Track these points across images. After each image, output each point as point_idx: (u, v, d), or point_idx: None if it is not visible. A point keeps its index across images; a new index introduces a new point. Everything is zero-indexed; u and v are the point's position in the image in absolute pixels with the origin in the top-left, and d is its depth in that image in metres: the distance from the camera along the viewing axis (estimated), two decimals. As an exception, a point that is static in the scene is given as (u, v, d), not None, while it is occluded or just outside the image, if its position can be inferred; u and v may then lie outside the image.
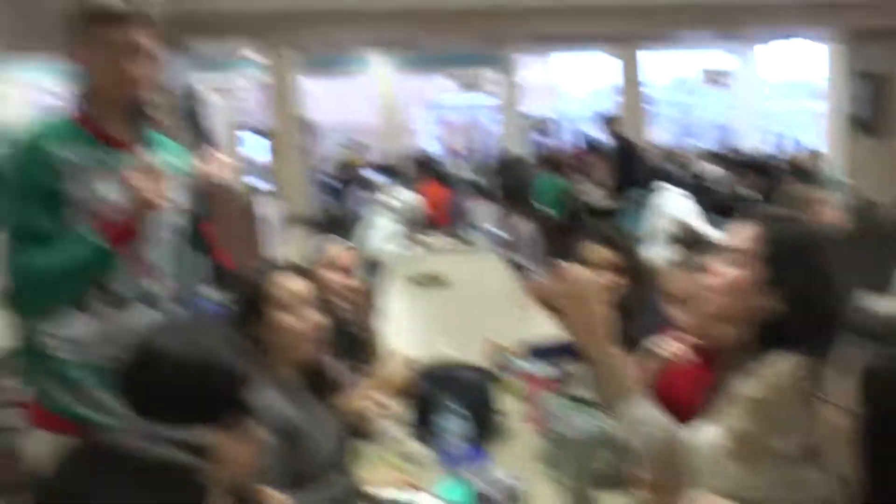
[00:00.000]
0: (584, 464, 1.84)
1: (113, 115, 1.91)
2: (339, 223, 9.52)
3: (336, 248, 2.95)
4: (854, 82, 9.56)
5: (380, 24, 9.50)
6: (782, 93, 21.79)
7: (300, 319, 2.06)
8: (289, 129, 15.75)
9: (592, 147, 8.94)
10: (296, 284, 2.10)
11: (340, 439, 2.12)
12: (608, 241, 2.69)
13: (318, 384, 2.19)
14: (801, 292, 1.50)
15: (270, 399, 1.86)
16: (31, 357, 1.89)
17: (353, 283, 2.90)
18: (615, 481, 2.00)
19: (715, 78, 16.55)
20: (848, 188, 9.61)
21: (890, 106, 8.99)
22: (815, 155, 11.96)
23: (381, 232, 5.95)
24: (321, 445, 2.03)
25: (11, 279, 1.80)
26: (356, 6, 9.04)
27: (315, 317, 2.10)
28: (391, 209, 6.21)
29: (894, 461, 1.05)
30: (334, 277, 2.83)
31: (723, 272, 1.58)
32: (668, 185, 6.65)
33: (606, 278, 2.62)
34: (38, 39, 9.19)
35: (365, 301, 3.11)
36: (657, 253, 5.85)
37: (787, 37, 14.98)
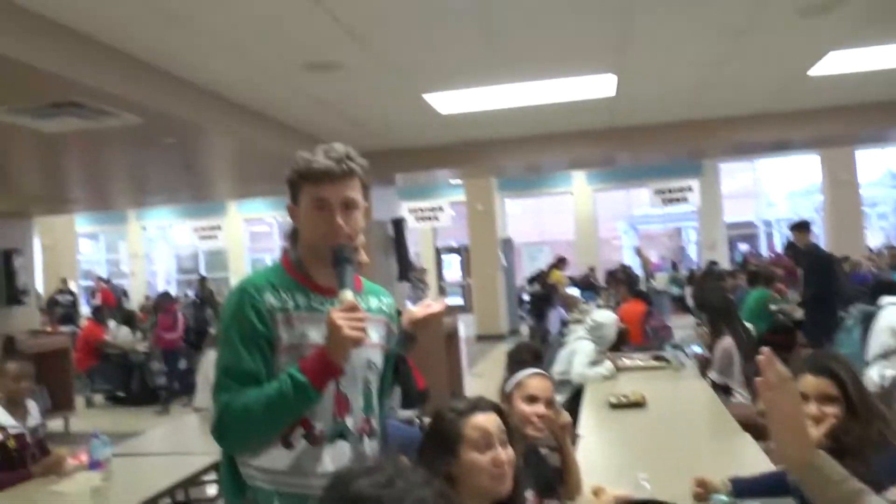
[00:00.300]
0: None
1: (319, 262, 2.04)
2: (535, 342, 9.58)
3: (530, 377, 2.96)
4: None
5: (578, 144, 9.66)
6: None
7: (492, 457, 2.08)
8: (488, 248, 16.27)
9: (794, 256, 8.39)
10: (489, 423, 2.13)
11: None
12: (823, 370, 2.51)
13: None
14: None
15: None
16: (232, 482, 1.99)
17: (549, 412, 2.87)
18: None
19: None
20: None
21: None
22: None
23: (579, 353, 5.88)
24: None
25: (217, 415, 1.92)
26: (554, 129, 9.26)
27: (506, 453, 2.11)
28: (587, 327, 6.15)
29: None
30: (528, 409, 2.83)
31: None
32: (893, 298, 6.17)
33: (821, 411, 2.45)
34: (258, 181, 10.23)
35: (561, 431, 3.06)
36: (882, 374, 5.41)
37: None
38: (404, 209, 12.42)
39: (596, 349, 5.98)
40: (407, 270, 10.48)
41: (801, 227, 8.85)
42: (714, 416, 4.61)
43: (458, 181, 16.81)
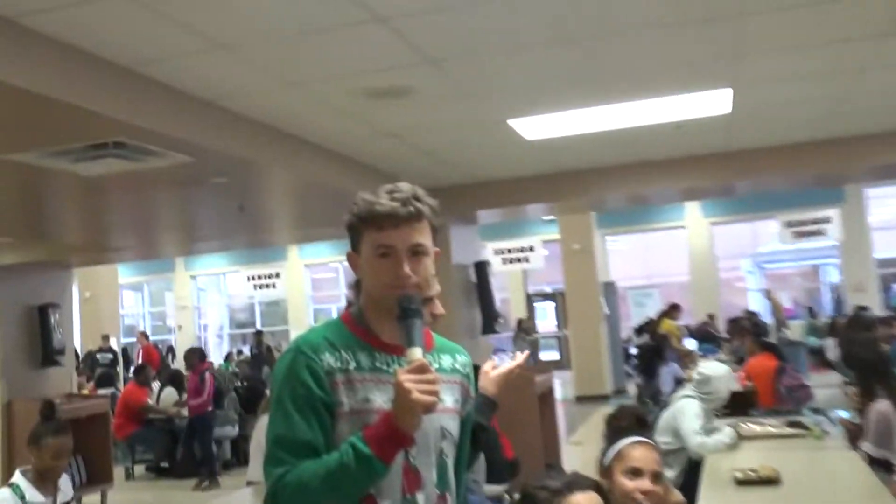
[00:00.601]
0: None
1: (384, 316, 2.06)
2: (643, 404, 9.44)
3: (633, 446, 2.93)
4: None
5: (690, 170, 9.55)
6: None
7: None
8: (588, 293, 16.18)
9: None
10: (584, 501, 2.12)
11: None
12: None
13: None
14: None
15: None
16: None
17: (655, 488, 2.83)
18: None
19: None
20: None
21: None
22: None
23: (686, 415, 5.72)
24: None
25: (270, 491, 1.92)
26: (660, 154, 9.20)
27: None
28: (694, 382, 5.99)
29: None
30: (630, 484, 2.80)
31: None
32: None
33: None
34: (320, 223, 10.44)
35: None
36: None
37: None
38: (489, 251, 12.48)
39: (703, 409, 5.80)
40: (493, 320, 10.50)
41: None
42: (870, 496, 4.44)
43: (551, 217, 16.81)
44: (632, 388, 15.74)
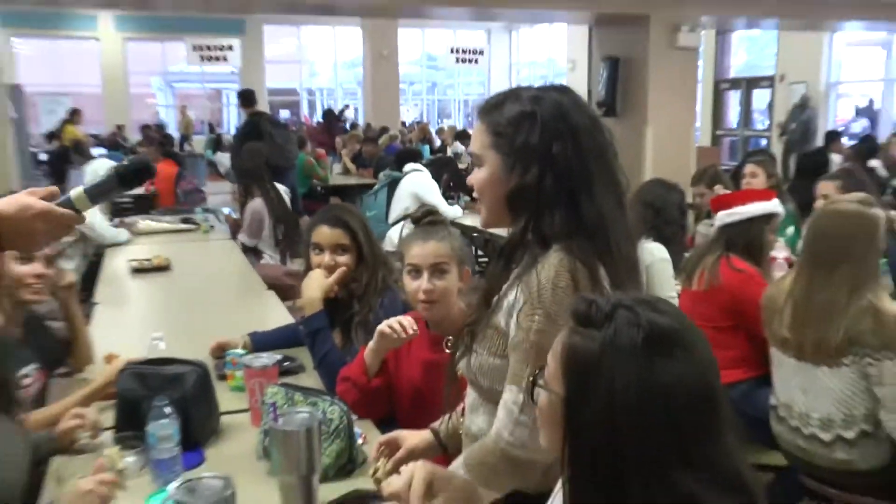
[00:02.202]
0: (302, 456, 1.83)
1: None
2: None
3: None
4: (598, 65, 10.32)
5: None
6: (531, 72, 23.17)
7: None
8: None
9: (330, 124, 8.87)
10: None
11: (29, 458, 1.95)
12: (338, 222, 2.73)
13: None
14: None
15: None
16: None
17: (48, 271, 2.65)
18: (336, 472, 2.03)
19: (466, 56, 17.18)
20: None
21: (626, 87, 9.80)
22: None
23: (95, 211, 5.50)
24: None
25: None
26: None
27: None
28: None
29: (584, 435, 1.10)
30: (24, 269, 2.59)
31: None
32: (418, 165, 6.88)
33: (334, 259, 2.68)
34: None
35: (66, 293, 2.88)
36: (400, 232, 6.05)
37: (537, 20, 15.96)
38: None
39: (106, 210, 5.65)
40: None
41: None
42: (242, 276, 4.75)
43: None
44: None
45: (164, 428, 1.99)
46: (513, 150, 1.57)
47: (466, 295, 1.81)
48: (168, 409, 2.01)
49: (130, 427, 2.17)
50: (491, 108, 1.63)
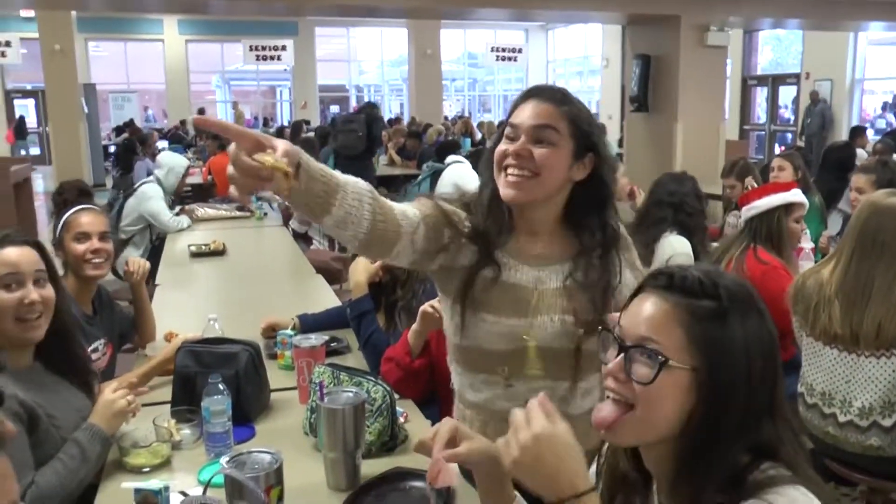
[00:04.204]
0: (347, 432, 1.80)
1: None
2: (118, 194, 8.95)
3: (78, 213, 2.69)
4: (630, 62, 10.18)
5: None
6: (566, 69, 22.97)
7: (20, 296, 1.85)
8: (68, 93, 14.60)
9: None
10: (19, 257, 1.88)
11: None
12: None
13: (59, 364, 2.01)
14: None
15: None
16: None
17: (104, 245, 2.65)
18: (379, 449, 2.00)
19: (505, 54, 17.07)
20: (622, 157, 10.29)
21: (657, 84, 9.65)
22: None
23: (154, 198, 5.52)
24: (64, 428, 1.89)
25: None
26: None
27: (42, 293, 1.90)
28: (158, 172, 5.82)
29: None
30: (80, 247, 2.60)
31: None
32: (459, 157, 6.83)
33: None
34: None
35: (137, 277, 2.90)
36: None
37: (573, 20, 15.80)
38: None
39: (164, 193, 5.67)
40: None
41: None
42: (292, 261, 4.75)
43: (31, 13, 14.74)
44: (110, 182, 14.89)
45: (217, 403, 1.98)
46: (584, 144, 1.63)
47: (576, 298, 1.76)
48: (221, 386, 2.00)
49: (186, 402, 2.17)
50: (564, 100, 1.65)
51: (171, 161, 5.86)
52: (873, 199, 2.58)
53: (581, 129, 1.63)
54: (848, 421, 2.49)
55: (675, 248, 3.53)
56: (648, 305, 1.13)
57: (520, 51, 17.82)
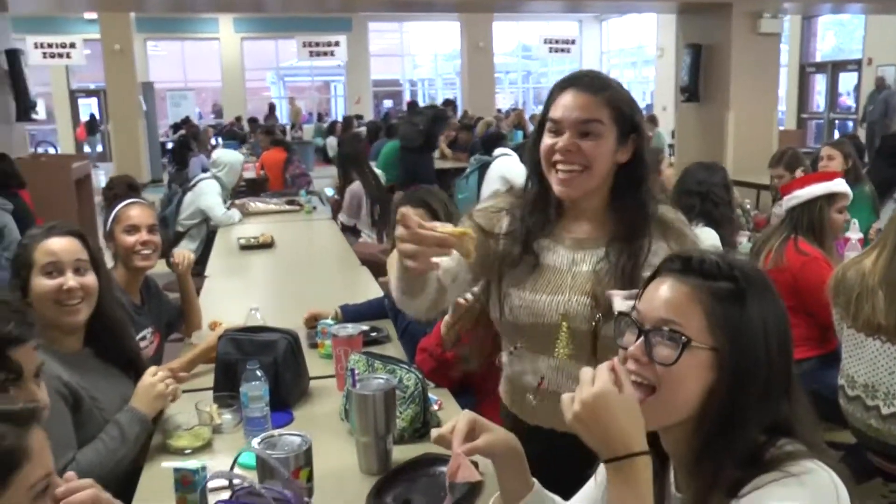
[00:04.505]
0: (378, 418, 1.86)
1: None
2: (172, 189, 9.19)
3: (127, 206, 2.79)
4: (682, 52, 10.06)
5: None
6: (621, 60, 22.74)
7: (58, 283, 1.96)
8: (128, 92, 15.00)
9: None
10: (60, 247, 1.99)
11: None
12: (420, 202, 2.73)
13: (107, 351, 2.11)
14: None
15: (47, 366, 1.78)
16: None
17: (153, 238, 2.75)
18: (411, 435, 2.05)
19: (558, 46, 16.97)
20: (674, 148, 10.18)
21: (708, 73, 9.52)
22: (650, 117, 12.56)
23: (208, 193, 5.67)
24: (107, 410, 1.99)
25: None
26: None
27: (81, 280, 2.00)
28: (213, 167, 5.98)
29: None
30: (130, 239, 2.70)
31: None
32: (507, 150, 6.83)
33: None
34: None
35: (185, 268, 3.01)
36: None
37: (626, 10, 15.63)
38: (28, 44, 10.91)
39: (221, 189, 5.82)
40: (28, 108, 9.30)
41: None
42: (339, 253, 4.83)
43: (93, 15, 15.17)
44: (165, 178, 15.24)
45: (255, 389, 2.05)
46: (627, 128, 1.64)
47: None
48: (259, 373, 2.07)
49: (227, 388, 2.25)
50: (603, 86, 1.65)
51: (228, 158, 6.03)
52: None
53: (623, 112, 1.64)
54: (892, 413, 2.45)
55: (702, 240, 3.51)
56: (666, 289, 1.15)
57: (573, 42, 17.66)
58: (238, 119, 18.40)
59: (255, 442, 1.64)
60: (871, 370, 2.51)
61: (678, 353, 1.10)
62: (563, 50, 17.41)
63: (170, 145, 15.67)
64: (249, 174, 8.80)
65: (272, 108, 19.42)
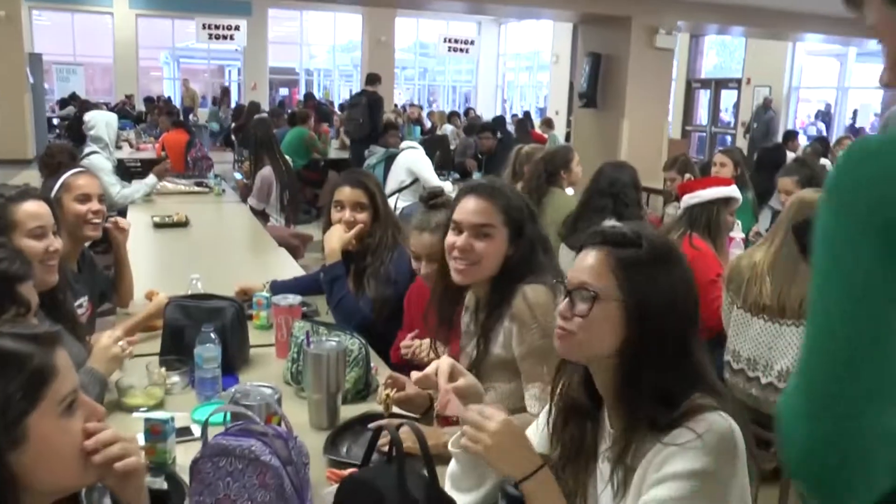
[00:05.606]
0: (331, 376, 2.02)
1: None
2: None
3: (76, 175, 2.84)
4: (581, 59, 10.51)
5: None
6: (517, 63, 23.29)
7: (46, 245, 2.05)
8: (14, 63, 14.31)
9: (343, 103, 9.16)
10: (43, 210, 2.08)
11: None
12: (358, 183, 2.89)
13: (57, 313, 2.19)
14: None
15: None
16: None
17: (102, 207, 2.82)
18: (354, 395, 2.23)
19: (457, 46, 17.28)
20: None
21: (606, 81, 10.00)
22: (545, 121, 12.98)
23: (107, 173, 5.58)
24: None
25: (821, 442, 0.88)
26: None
27: (57, 243, 2.09)
28: (98, 147, 5.93)
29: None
30: (82, 208, 2.75)
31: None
32: (413, 143, 7.05)
33: (354, 216, 2.85)
34: None
35: (122, 237, 3.06)
36: (397, 203, 6.23)
37: (526, 16, 16.07)
38: None
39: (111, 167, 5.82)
40: None
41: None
42: (253, 235, 4.92)
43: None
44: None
45: (209, 351, 2.18)
46: (517, 229, 2.00)
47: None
48: (213, 335, 2.20)
49: (175, 352, 2.36)
50: (498, 194, 2.01)
51: (102, 116, 6.09)
52: (802, 194, 2.97)
53: (512, 216, 2.00)
54: (768, 383, 2.82)
55: None
56: (585, 257, 1.43)
57: (472, 43, 18.03)
58: (129, 97, 17.86)
59: (230, 391, 1.78)
60: (753, 346, 2.89)
61: (589, 306, 1.37)
62: (461, 50, 17.76)
63: (56, 121, 15.10)
64: (148, 154, 8.66)
65: (226, 90, 18.92)
